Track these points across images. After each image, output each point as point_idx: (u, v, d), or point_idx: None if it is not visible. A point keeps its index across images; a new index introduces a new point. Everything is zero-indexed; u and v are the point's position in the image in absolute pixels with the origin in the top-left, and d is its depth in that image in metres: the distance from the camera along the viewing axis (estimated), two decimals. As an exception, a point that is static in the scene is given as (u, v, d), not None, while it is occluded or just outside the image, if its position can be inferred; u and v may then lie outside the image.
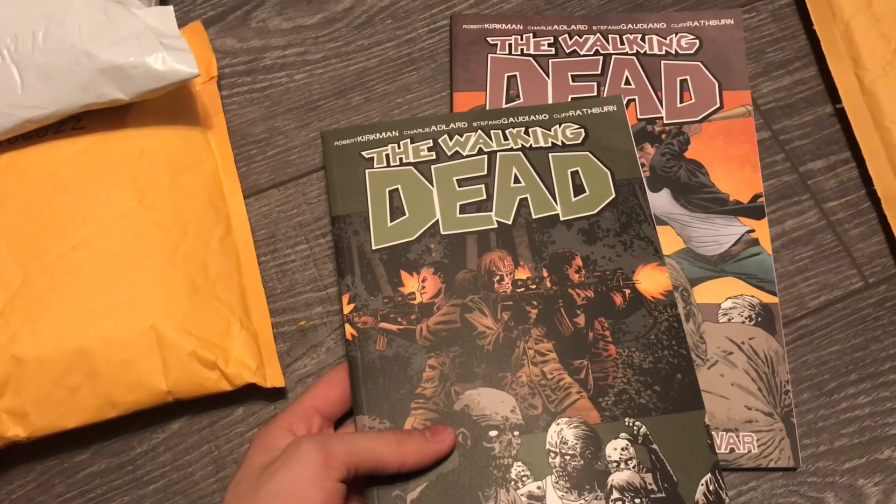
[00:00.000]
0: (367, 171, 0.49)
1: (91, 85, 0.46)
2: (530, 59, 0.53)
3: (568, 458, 0.42)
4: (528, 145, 0.49)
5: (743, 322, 0.46)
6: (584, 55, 0.53)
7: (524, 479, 0.42)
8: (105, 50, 0.45)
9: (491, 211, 0.48)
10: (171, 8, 0.48)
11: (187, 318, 0.44)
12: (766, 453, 0.44)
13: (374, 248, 0.47)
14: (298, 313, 0.48)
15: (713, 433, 0.44)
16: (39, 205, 0.46)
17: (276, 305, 0.48)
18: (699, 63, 0.53)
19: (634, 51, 0.53)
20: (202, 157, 0.50)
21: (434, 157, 0.49)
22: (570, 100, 0.52)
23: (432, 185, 0.48)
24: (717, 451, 0.44)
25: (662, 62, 0.53)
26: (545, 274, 0.46)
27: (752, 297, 0.47)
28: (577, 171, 0.49)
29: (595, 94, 0.52)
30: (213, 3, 0.56)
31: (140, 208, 0.46)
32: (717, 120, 0.51)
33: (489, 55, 0.53)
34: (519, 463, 0.42)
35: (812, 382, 0.46)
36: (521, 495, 0.42)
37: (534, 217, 0.48)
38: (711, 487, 0.42)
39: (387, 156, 0.49)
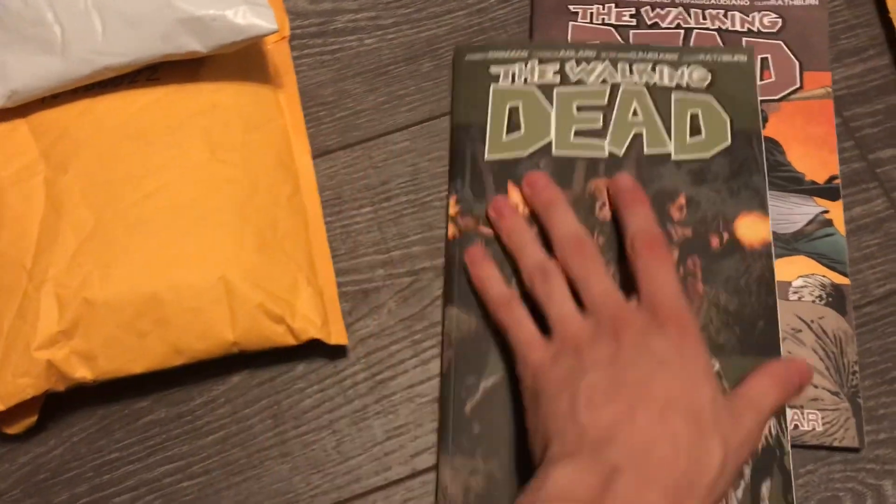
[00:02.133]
0: (491, 85, 0.51)
1: (170, 35, 0.46)
2: (611, 28, 0.53)
3: None
4: (652, 82, 0.50)
5: (813, 301, 0.46)
6: (666, 28, 0.53)
7: None
8: (186, 1, 0.46)
9: (605, 140, 0.49)
10: (250, -36, 0.48)
11: (256, 271, 0.44)
12: (830, 432, 0.44)
13: (486, 158, 0.49)
14: (361, 274, 0.49)
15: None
16: (113, 152, 0.46)
17: (339, 266, 0.49)
18: (781, 42, 0.53)
19: (716, 26, 0.53)
20: (272, 115, 0.50)
21: (558, 80, 0.51)
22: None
23: (551, 107, 0.50)
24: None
25: (744, 39, 0.53)
26: None
27: (824, 276, 0.47)
28: (697, 113, 0.50)
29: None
30: (286, -35, 0.57)
31: (212, 161, 0.46)
32: (796, 100, 0.51)
33: (570, 23, 0.54)
34: None
35: (875, 370, 0.46)
36: None
37: (645, 153, 0.49)
38: (773, 432, 0.42)
39: (513, 74, 0.51)
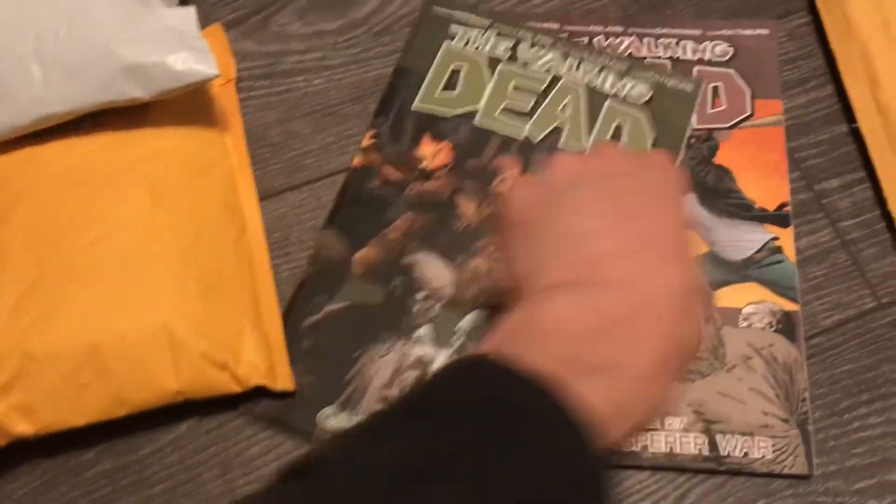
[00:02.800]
0: (445, 42, 0.54)
1: (112, 83, 0.46)
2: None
3: (469, 343, 0.46)
4: (593, 85, 0.52)
5: (763, 328, 0.47)
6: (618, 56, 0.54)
7: (424, 342, 0.46)
8: (126, 48, 0.46)
9: (527, 123, 0.52)
10: (193, 9, 0.48)
11: (200, 318, 0.44)
12: (780, 459, 0.44)
13: (414, 106, 0.52)
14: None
15: (729, 436, 0.44)
16: (57, 200, 0.46)
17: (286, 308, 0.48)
18: (732, 71, 0.53)
19: (668, 55, 0.54)
20: (218, 159, 0.50)
21: (507, 57, 0.54)
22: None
23: (490, 80, 0.53)
24: (731, 455, 0.44)
25: (696, 68, 0.54)
26: None
27: (774, 303, 0.47)
28: (622, 124, 0.51)
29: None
30: (233, 7, 0.57)
31: (155, 208, 0.46)
32: (747, 127, 0.52)
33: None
34: (428, 327, 0.47)
35: (824, 401, 0.46)
36: (413, 352, 0.46)
37: (559, 145, 0.51)
38: None
39: (469, 38, 0.54)
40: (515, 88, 0.52)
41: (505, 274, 0.39)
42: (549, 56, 0.53)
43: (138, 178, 0.47)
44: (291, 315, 0.47)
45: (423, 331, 0.47)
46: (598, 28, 0.55)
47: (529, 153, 0.51)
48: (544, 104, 0.52)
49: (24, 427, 0.42)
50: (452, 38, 0.54)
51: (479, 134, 0.51)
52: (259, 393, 0.45)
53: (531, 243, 0.37)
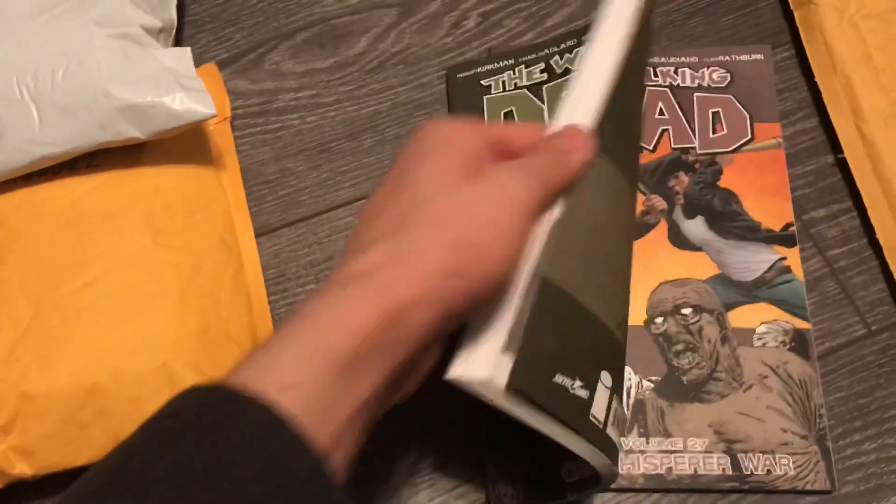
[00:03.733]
0: (485, 97, 0.53)
1: (108, 123, 0.46)
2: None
3: None
4: None
5: (777, 347, 0.47)
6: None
7: None
8: (123, 89, 0.46)
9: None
10: (188, 49, 0.49)
11: (199, 356, 0.44)
12: (801, 475, 0.45)
13: None
14: (307, 353, 0.48)
15: (751, 455, 0.45)
16: (53, 241, 0.46)
17: (285, 345, 0.48)
18: (730, 96, 0.54)
19: (668, 83, 0.55)
20: (215, 196, 0.50)
21: (546, 77, 0.53)
22: None
23: (543, 104, 0.52)
24: (754, 474, 0.44)
25: (695, 94, 0.55)
26: None
27: (786, 322, 0.48)
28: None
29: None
30: (227, 46, 0.57)
31: (153, 246, 0.46)
32: (748, 151, 0.53)
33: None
34: None
35: (819, 428, 0.46)
36: None
37: None
38: None
39: (503, 82, 0.54)
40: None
41: None
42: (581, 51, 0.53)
43: (136, 216, 0.47)
44: None
45: None
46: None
47: None
48: None
49: (22, 468, 0.42)
50: (489, 90, 0.54)
51: None
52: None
53: None
